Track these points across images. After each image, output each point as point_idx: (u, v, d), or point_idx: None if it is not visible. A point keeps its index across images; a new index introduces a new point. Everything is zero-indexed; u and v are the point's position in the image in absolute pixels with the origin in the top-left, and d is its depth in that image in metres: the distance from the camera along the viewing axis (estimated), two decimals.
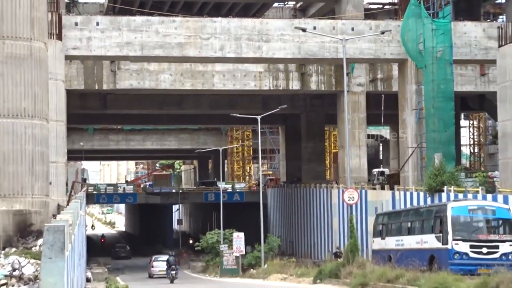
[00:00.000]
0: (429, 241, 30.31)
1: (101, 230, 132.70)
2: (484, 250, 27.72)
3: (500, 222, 29.18)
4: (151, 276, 61.54)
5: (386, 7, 68.61)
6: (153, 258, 64.41)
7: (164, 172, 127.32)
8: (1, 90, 25.68)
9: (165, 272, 55.78)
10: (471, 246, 27.91)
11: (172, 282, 50.85)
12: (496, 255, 27.49)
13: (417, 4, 47.26)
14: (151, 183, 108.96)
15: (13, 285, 18.31)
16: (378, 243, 38.27)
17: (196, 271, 66.78)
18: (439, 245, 28.98)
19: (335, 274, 38.66)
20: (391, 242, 35.78)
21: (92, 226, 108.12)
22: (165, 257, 59.08)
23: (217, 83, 55.80)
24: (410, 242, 32.93)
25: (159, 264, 61.59)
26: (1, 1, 25.60)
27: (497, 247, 27.86)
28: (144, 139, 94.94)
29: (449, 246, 27.89)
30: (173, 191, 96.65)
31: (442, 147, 45.75)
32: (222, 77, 55.55)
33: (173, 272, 51.41)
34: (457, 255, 27.81)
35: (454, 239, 27.91)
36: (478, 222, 29.84)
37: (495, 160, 57.19)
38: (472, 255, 27.73)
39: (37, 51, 26.53)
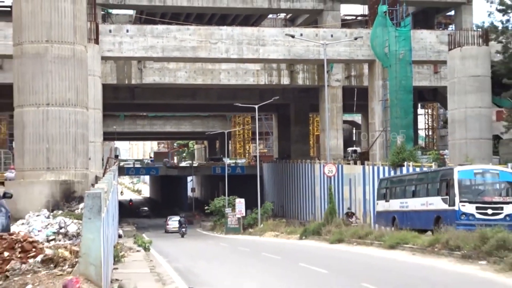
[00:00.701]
0: (435, 203, 27.83)
1: (130, 196, 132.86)
2: (489, 211, 25.56)
3: (504, 185, 26.89)
4: (167, 232, 62.74)
5: (359, 18, 68.42)
6: (168, 218, 66.17)
7: (161, 151, 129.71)
8: (50, 84, 25.53)
9: (177, 229, 58.19)
10: (477, 208, 25.65)
11: (182, 236, 53.29)
12: (501, 216, 25.40)
13: (384, 16, 47.15)
14: (152, 158, 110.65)
15: (59, 240, 18.17)
16: (382, 205, 35.12)
17: (206, 229, 66.85)
18: (445, 206, 26.48)
19: (317, 232, 38.62)
20: (395, 204, 32.74)
21: (121, 192, 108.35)
22: (177, 218, 60.94)
23: (223, 79, 55.77)
24: (415, 204, 30.12)
25: (172, 222, 63.07)
26: (50, 13, 25.41)
27: (502, 208, 25.78)
28: (164, 124, 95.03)
29: (456, 208, 25.55)
30: (188, 165, 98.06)
31: (403, 130, 45.75)
32: (227, 74, 55.50)
33: (183, 229, 54.93)
34: (464, 216, 25.46)
35: (461, 201, 25.58)
36: (484, 185, 27.34)
37: (445, 141, 57.06)
38: (478, 216, 25.33)
39: (79, 52, 26.37)
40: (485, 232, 21.58)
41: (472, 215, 25.41)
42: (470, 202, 25.76)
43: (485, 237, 20.77)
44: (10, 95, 27.85)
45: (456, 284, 16.69)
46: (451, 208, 25.88)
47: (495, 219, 25.06)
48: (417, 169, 38.10)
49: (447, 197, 26.34)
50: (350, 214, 38.92)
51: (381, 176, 42.33)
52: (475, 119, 41.75)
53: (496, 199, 26.30)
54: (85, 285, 10.15)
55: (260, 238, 46.68)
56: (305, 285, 16.81)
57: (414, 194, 30.81)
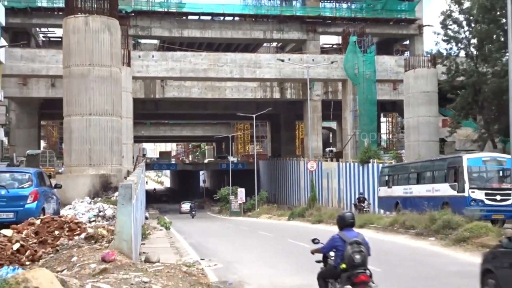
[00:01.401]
0: (442, 189, 24.59)
1: (155, 186, 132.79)
2: (498, 197, 22.48)
3: (511, 172, 23.34)
4: (180, 213, 63.51)
5: (334, 46, 68.42)
6: (181, 203, 68.06)
7: (165, 150, 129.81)
8: (92, 98, 25.56)
9: (188, 210, 60.64)
10: (486, 194, 22.48)
11: (192, 217, 54.58)
12: (509, 202, 22.55)
13: (354, 44, 47.23)
14: (157, 157, 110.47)
15: (99, 221, 18.16)
16: (384, 191, 31.52)
17: (214, 212, 66.77)
18: (453, 193, 23.24)
19: (302, 214, 38.61)
20: (398, 190, 29.30)
21: (146, 182, 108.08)
22: (189, 203, 64.70)
23: (228, 94, 55.77)
24: (419, 190, 26.75)
25: (184, 206, 65.27)
26: (92, 42, 25.46)
27: (509, 194, 22.70)
28: (181, 129, 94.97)
29: (466, 194, 22.35)
30: (201, 162, 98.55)
31: (369, 134, 45.77)
32: (231, 90, 55.49)
33: (193, 212, 57.76)
34: (473, 202, 22.31)
35: (470, 188, 22.39)
36: (492, 172, 24.09)
37: (402, 143, 56.97)
38: (487, 202, 22.35)
39: (115, 73, 26.38)
40: (433, 214, 21.61)
41: (482, 201, 22.49)
42: (479, 189, 22.77)
43: (434, 218, 20.82)
44: (60, 107, 27.88)
45: (411, 255, 16.72)
46: (460, 194, 22.87)
47: (503, 205, 22.65)
48: (380, 165, 37.85)
49: (456, 183, 23.31)
50: (362, 199, 33.49)
51: (351, 170, 42.29)
52: (426, 125, 41.84)
53: (504, 185, 23.31)
54: (119, 257, 10.14)
55: (257, 219, 46.65)
56: (291, 256, 16.82)
57: (419, 181, 27.63)
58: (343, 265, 7.91)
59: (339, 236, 8.17)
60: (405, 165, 32.98)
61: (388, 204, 30.43)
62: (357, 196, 35.86)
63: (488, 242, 16.44)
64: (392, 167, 33.95)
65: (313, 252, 8.90)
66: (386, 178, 31.79)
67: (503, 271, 8.93)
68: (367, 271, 7.86)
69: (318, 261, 8.85)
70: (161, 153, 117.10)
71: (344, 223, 8.35)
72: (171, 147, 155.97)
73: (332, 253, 8.39)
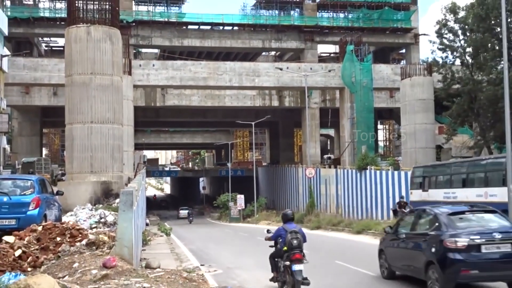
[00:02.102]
0: (500, 194, 20.03)
1: (155, 192, 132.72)
2: None
3: None
4: (178, 218, 65.52)
5: (332, 55, 68.70)
6: (179, 209, 71.27)
7: (154, 157, 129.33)
8: (93, 106, 25.58)
9: (186, 216, 62.40)
10: None
11: (190, 223, 56.58)
12: None
13: (351, 53, 47.30)
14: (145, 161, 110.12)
15: (100, 228, 18.11)
16: (418, 195, 26.90)
17: (214, 218, 66.73)
18: None
19: (300, 220, 38.46)
20: (437, 194, 24.69)
21: (146, 189, 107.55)
22: (186, 209, 67.63)
23: (227, 102, 55.86)
24: (466, 194, 22.00)
25: (182, 211, 68.20)
26: (93, 52, 25.50)
27: None
28: (181, 137, 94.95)
29: None
30: (200, 169, 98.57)
31: (366, 142, 45.78)
32: (230, 98, 55.57)
33: (190, 217, 59.60)
34: None
35: None
36: None
37: (399, 149, 57.06)
38: None
39: (116, 82, 26.40)
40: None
41: None
42: None
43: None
44: (62, 115, 27.86)
45: None
46: None
47: None
48: (384, 172, 37.59)
49: None
50: (402, 204, 26.02)
51: (349, 177, 42.13)
52: (422, 132, 41.90)
53: None
54: (120, 263, 10.12)
55: (256, 226, 46.58)
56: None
57: (466, 184, 23.04)
58: (285, 248, 10.92)
59: (283, 227, 11.37)
60: (446, 165, 27.93)
61: None
62: (396, 201, 29.08)
63: None
64: (429, 167, 29.52)
65: (266, 239, 12.03)
66: (420, 180, 27.64)
67: (388, 249, 13.51)
68: (302, 252, 10.91)
69: (270, 246, 11.82)
70: (149, 160, 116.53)
71: (287, 218, 11.60)
72: (171, 154, 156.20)
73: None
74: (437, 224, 11.67)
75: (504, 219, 12.15)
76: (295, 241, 10.83)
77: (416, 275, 12.07)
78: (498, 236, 10.99)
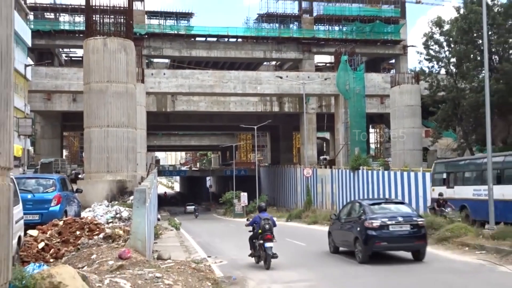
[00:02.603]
0: None
1: (166, 190, 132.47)
2: None
3: None
4: (185, 213, 66.51)
5: (328, 64, 68.70)
6: (186, 204, 73.10)
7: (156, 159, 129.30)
8: (109, 111, 25.59)
9: (192, 211, 64.37)
10: None
11: (196, 217, 57.65)
12: None
13: (345, 63, 47.30)
14: (157, 161, 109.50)
15: (116, 223, 18.13)
16: (442, 192, 22.44)
17: (219, 214, 66.56)
18: None
19: (298, 216, 38.54)
20: (465, 191, 21.31)
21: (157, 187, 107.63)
22: (192, 205, 69.49)
23: (232, 108, 55.79)
24: (503, 192, 18.51)
25: (188, 207, 69.71)
26: (109, 61, 25.53)
27: None
28: (190, 139, 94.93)
29: None
30: (208, 169, 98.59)
31: (359, 144, 45.73)
32: (234, 104, 55.50)
33: (196, 213, 61.35)
34: None
35: None
36: None
37: (389, 151, 56.95)
38: None
39: (130, 89, 26.43)
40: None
41: None
42: None
43: None
44: (81, 119, 27.90)
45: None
46: None
47: None
48: (375, 172, 37.48)
49: None
50: (442, 202, 21.10)
51: (343, 176, 42.02)
52: (410, 136, 41.87)
53: None
54: (134, 254, 10.13)
55: None
56: (290, 253, 16.78)
57: (502, 180, 19.45)
58: (260, 231, 13.75)
59: (258, 216, 14.33)
60: (475, 160, 23.81)
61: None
62: (433, 198, 23.49)
63: (467, 241, 16.39)
64: (454, 162, 25.20)
65: (245, 225, 14.99)
66: (444, 176, 23.91)
67: (333, 231, 16.83)
68: (272, 234, 13.73)
69: (250, 231, 14.63)
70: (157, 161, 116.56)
71: (261, 209, 14.90)
72: (180, 155, 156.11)
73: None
74: (362, 211, 15.05)
75: (408, 208, 16.06)
76: (267, 226, 13.71)
77: (349, 248, 15.47)
78: (401, 219, 14.42)
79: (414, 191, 31.13)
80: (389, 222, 14.25)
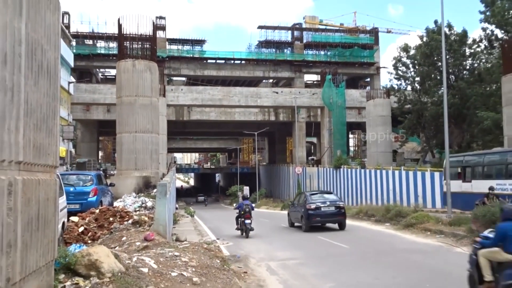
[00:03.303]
0: None
1: (182, 184, 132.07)
2: None
3: None
4: (196, 201, 66.34)
5: (315, 82, 68.63)
6: (197, 195, 73.72)
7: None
8: (137, 120, 25.54)
9: (202, 200, 65.79)
10: None
11: (205, 206, 58.05)
12: None
13: (329, 81, 47.42)
14: (175, 161, 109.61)
15: (142, 211, 18.10)
16: (457, 186, 19.49)
17: (226, 204, 66.25)
18: None
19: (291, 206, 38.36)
20: (483, 185, 17.22)
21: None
22: (202, 195, 70.76)
23: (236, 117, 55.72)
24: None
25: (199, 197, 70.33)
26: (137, 80, 25.48)
27: None
28: (202, 143, 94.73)
29: None
30: (217, 167, 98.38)
31: (340, 147, 45.72)
32: (239, 114, 55.44)
33: (206, 202, 62.69)
34: None
35: None
36: None
37: (365, 153, 56.89)
38: None
39: (154, 102, 26.37)
40: (388, 205, 21.51)
41: None
42: None
43: (389, 209, 20.73)
44: (114, 126, 27.87)
45: (372, 236, 16.64)
46: None
47: None
48: (353, 170, 37.40)
49: None
50: (491, 196, 15.72)
51: (327, 173, 41.88)
52: (382, 140, 41.81)
53: None
54: (157, 237, 10.13)
55: (258, 210, 46.30)
56: (283, 236, 16.79)
57: None
58: (242, 212, 17.17)
59: (242, 202, 17.65)
60: (497, 153, 19.41)
61: (464, 202, 18.63)
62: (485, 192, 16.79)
63: (429, 227, 16.39)
64: (472, 156, 20.96)
65: (234, 209, 18.17)
66: (460, 170, 20.54)
67: (290, 213, 20.77)
68: (250, 214, 17.13)
69: (236, 213, 17.74)
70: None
71: (244, 198, 18.60)
72: (194, 156, 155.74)
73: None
74: (305, 199, 19.01)
75: (335, 196, 20.26)
76: (247, 209, 17.13)
77: (298, 223, 19.48)
78: (329, 203, 18.54)
79: (385, 183, 31.12)
80: (321, 205, 18.43)
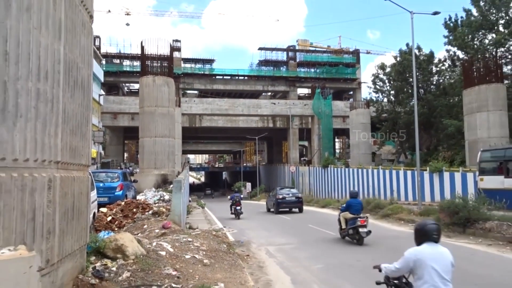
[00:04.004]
0: None
1: (194, 180, 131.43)
2: None
3: None
4: (205, 194, 65.77)
5: (306, 95, 68.55)
6: (205, 189, 73.71)
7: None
8: (157, 127, 25.51)
9: (210, 193, 65.53)
10: None
11: (213, 198, 58.76)
12: None
13: (319, 93, 47.36)
14: (188, 161, 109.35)
15: (160, 203, 18.05)
16: (493, 182, 14.89)
17: None
18: None
19: None
20: None
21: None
22: (209, 189, 70.49)
23: (240, 124, 55.56)
24: None
25: (207, 191, 69.76)
26: (157, 93, 25.48)
27: None
28: (211, 146, 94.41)
29: None
30: (223, 166, 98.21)
31: (328, 149, 45.62)
32: (242, 122, 55.30)
33: (213, 195, 63.49)
34: None
35: None
36: None
37: (349, 155, 56.78)
38: None
39: (171, 111, 26.37)
40: (368, 199, 21.41)
41: None
42: None
43: (369, 202, 20.66)
44: (137, 132, 27.85)
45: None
46: None
47: None
48: (339, 169, 37.29)
49: None
50: None
51: (317, 172, 41.58)
52: (362, 144, 41.63)
53: None
54: (173, 225, 10.10)
55: (258, 202, 46.16)
56: (279, 224, 16.73)
57: None
58: (233, 202, 20.64)
59: (234, 194, 21.21)
60: None
61: (503, 198, 13.58)
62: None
63: (402, 217, 16.33)
64: (506, 150, 15.61)
65: (228, 199, 20.90)
66: (495, 164, 15.68)
67: (268, 202, 25.42)
68: (240, 202, 20.48)
69: (231, 203, 20.97)
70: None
71: (235, 192, 23.45)
72: (205, 157, 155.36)
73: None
74: (276, 192, 23.97)
75: (296, 190, 25.01)
76: (237, 199, 20.80)
77: (272, 208, 23.38)
78: (291, 195, 23.16)
79: (366, 180, 31.02)
80: (286, 196, 23.09)
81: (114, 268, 5.66)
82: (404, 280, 3.82)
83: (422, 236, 3.60)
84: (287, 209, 22.99)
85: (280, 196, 22.99)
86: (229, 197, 22.71)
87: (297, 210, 23.04)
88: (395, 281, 3.83)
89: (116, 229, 11.05)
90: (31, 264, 2.94)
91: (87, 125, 5.12)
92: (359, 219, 11.25)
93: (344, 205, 12.26)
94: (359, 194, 18.70)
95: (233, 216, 20.85)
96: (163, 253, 7.05)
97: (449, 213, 12.46)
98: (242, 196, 23.38)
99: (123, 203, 13.44)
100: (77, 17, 4.74)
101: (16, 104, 3.69)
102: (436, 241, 3.58)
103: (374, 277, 4.06)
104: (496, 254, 9.55)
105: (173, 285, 5.54)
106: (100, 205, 13.37)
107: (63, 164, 4.35)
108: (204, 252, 7.97)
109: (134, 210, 12.89)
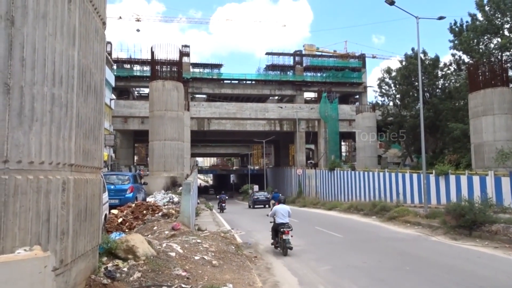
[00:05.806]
0: None
1: (202, 183, 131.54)
2: None
3: None
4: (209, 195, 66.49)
5: (313, 98, 68.38)
6: (210, 190, 76.05)
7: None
8: (166, 130, 25.62)
9: (213, 194, 66.04)
10: None
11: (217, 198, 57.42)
12: None
13: (325, 97, 47.28)
14: (197, 164, 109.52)
15: (170, 205, 18.10)
16: None
17: (239, 200, 65.90)
18: None
19: (293, 202, 38.22)
20: None
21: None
22: (212, 190, 72.33)
23: (248, 128, 55.43)
24: None
25: (211, 192, 71.85)
26: (166, 97, 25.61)
27: None
28: (219, 149, 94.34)
29: None
30: (231, 169, 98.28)
31: (334, 152, 45.47)
32: (250, 125, 55.15)
33: (223, 203, 58.83)
34: None
35: None
36: None
37: (355, 158, 56.47)
38: None
39: (180, 115, 26.48)
40: (374, 201, 21.30)
41: None
42: None
43: (375, 204, 20.55)
44: (147, 135, 27.99)
45: (361, 227, 16.48)
46: None
47: None
48: (345, 172, 37.19)
49: None
50: None
51: (323, 174, 41.41)
52: (368, 147, 41.45)
53: None
54: (182, 227, 10.12)
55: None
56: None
57: None
58: (220, 201, 28.05)
59: (221, 196, 28.93)
60: None
61: None
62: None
63: (409, 219, 16.22)
64: None
65: (217, 198, 28.04)
66: None
67: (249, 201, 36.46)
68: (225, 201, 28.96)
69: (218, 200, 25.26)
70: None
71: (220, 195, 28.56)
72: (213, 160, 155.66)
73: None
74: (253, 193, 34.33)
75: (266, 192, 36.51)
76: (223, 199, 22.40)
77: (252, 205, 31.43)
78: (263, 195, 33.66)
79: (372, 183, 30.82)
80: (260, 196, 32.63)
81: (125, 269, 5.69)
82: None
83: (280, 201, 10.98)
84: (261, 206, 32.14)
85: (255, 196, 34.16)
86: (217, 197, 29.81)
87: (267, 206, 30.79)
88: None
89: (126, 230, 11.09)
90: (46, 264, 2.98)
91: (99, 128, 5.17)
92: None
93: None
94: (365, 196, 18.29)
95: (219, 210, 26.23)
96: (173, 254, 7.07)
97: (455, 216, 12.34)
98: (226, 197, 30.71)
99: (133, 205, 13.50)
100: (91, 24, 4.80)
101: (32, 109, 3.74)
102: (284, 203, 11.26)
103: (380, 278, 4.04)
104: (503, 257, 9.43)
105: (183, 285, 5.56)
106: (111, 207, 13.44)
107: (77, 167, 4.40)
108: (213, 254, 7.98)
109: (144, 212, 12.94)
